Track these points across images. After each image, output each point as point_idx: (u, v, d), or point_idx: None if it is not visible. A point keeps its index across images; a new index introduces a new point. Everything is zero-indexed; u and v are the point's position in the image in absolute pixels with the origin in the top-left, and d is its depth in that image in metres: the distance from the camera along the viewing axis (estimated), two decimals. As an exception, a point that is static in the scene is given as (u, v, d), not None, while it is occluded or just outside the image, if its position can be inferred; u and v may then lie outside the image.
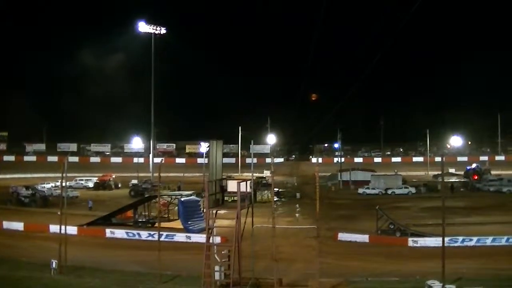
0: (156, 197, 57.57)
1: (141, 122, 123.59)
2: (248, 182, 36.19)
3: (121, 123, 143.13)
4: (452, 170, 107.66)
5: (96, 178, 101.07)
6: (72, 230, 51.13)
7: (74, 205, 70.82)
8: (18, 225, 59.45)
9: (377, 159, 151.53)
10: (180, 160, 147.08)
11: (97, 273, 39.03)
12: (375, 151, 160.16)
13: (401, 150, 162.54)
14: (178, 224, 57.60)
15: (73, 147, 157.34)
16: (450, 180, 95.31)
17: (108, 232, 56.88)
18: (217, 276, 33.77)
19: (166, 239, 51.13)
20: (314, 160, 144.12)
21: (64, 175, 44.29)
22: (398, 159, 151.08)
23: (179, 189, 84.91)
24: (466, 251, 47.52)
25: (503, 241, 50.63)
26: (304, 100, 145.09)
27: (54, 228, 51.09)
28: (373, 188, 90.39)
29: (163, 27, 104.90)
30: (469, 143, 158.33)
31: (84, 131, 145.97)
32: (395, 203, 77.03)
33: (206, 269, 33.21)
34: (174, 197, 65.96)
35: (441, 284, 31.80)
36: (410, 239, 52.23)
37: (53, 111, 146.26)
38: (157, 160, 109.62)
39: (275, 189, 46.52)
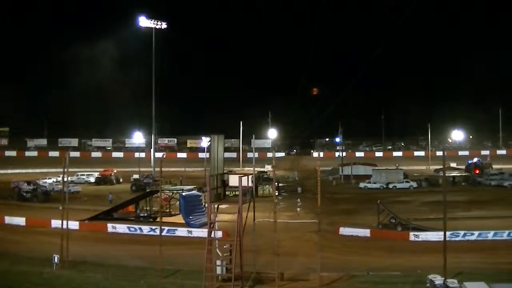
0: (157, 191, 57.54)
1: (142, 116, 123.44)
2: (250, 177, 36.30)
3: (122, 118, 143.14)
4: (453, 164, 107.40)
5: (98, 173, 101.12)
6: (73, 225, 51.28)
7: (75, 199, 70.84)
8: (20, 220, 59.66)
9: (378, 154, 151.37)
10: (181, 155, 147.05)
11: (98, 268, 39.08)
12: (376, 146, 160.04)
13: (402, 144, 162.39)
14: (179, 218, 57.58)
15: (74, 142, 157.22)
16: (452, 174, 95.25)
17: (110, 227, 57.04)
18: (218, 270, 33.90)
19: (168, 234, 51.29)
20: (315, 154, 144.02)
21: (65, 170, 44.31)
22: (399, 154, 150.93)
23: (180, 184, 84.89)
24: (468, 245, 47.59)
25: (504, 235, 50.74)
26: (305, 94, 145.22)
27: (55, 223, 51.09)
28: (375, 183, 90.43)
29: (164, 21, 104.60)
30: (471, 137, 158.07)
31: (85, 126, 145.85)
32: (397, 198, 77.06)
33: (207, 263, 33.27)
34: (175, 191, 65.94)
35: (443, 278, 31.81)
36: (411, 233, 52.35)
37: (54, 106, 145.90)
38: (159, 154, 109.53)
39: (276, 183, 46.59)
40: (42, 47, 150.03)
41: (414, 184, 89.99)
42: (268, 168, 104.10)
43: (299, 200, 72.73)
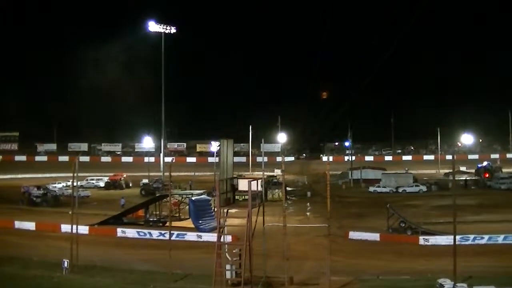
0: (167, 196, 57.63)
1: (152, 121, 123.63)
2: (259, 181, 36.26)
3: (131, 122, 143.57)
4: (463, 168, 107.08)
5: (107, 178, 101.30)
6: (83, 229, 51.52)
7: (85, 204, 70.99)
8: (30, 225, 59.72)
9: (388, 157, 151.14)
10: (191, 159, 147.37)
11: (108, 272, 39.26)
12: (386, 149, 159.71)
13: (412, 148, 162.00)
14: (189, 223, 57.73)
15: (84, 146, 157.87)
16: (462, 178, 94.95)
17: (119, 231, 57.02)
18: (228, 274, 33.90)
19: (177, 238, 51.24)
20: (324, 158, 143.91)
21: (75, 174, 44.49)
22: (409, 157, 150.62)
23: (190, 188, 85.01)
24: (478, 249, 47.31)
25: (515, 239, 50.45)
26: (315, 98, 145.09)
27: (65, 227, 51.20)
28: (384, 186, 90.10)
29: (173, 26, 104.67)
30: (480, 140, 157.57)
31: (95, 131, 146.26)
32: (406, 201, 76.75)
33: (217, 267, 33.31)
34: (185, 196, 66.01)
35: (453, 282, 31.72)
36: (421, 237, 52.13)
37: (64, 111, 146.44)
38: (168, 159, 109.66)
39: (285, 187, 46.57)
40: (52, 51, 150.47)
41: (424, 188, 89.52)
42: (277, 172, 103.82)
43: (308, 204, 72.72)
